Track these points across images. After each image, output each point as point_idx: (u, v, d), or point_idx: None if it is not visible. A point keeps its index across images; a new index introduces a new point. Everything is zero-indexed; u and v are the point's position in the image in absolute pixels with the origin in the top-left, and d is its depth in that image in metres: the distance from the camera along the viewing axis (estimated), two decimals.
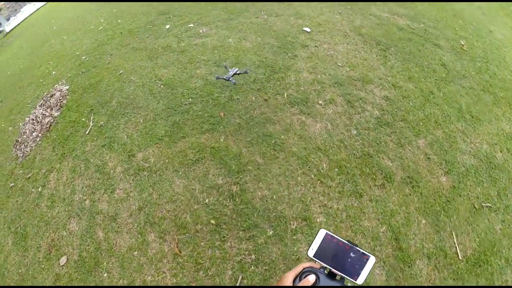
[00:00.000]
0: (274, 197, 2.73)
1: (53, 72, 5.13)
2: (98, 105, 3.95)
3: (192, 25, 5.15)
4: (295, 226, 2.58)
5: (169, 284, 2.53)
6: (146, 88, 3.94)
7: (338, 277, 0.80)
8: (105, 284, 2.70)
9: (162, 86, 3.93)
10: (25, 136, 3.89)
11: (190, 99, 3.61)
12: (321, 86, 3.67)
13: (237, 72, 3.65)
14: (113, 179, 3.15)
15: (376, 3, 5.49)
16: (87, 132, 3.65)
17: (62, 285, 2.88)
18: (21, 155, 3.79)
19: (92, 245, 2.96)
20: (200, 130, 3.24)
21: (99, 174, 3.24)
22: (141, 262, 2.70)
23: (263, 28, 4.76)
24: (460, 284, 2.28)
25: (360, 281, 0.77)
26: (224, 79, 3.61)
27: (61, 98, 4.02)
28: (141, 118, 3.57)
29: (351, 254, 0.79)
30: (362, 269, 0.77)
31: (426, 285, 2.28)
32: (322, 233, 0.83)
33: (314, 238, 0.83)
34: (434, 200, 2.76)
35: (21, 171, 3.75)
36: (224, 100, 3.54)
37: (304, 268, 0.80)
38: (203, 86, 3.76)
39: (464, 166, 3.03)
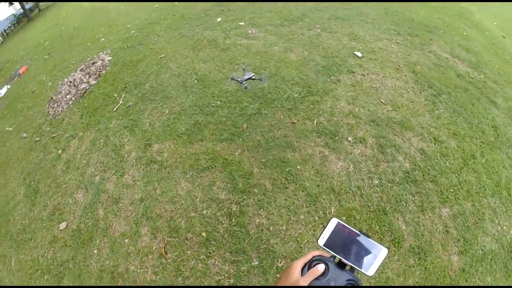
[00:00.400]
0: (271, 228, 2.64)
1: (102, 39, 5.32)
2: (132, 84, 4.04)
3: (242, 23, 5.09)
4: (282, 264, 2.48)
5: (148, 280, 2.56)
6: (180, 79, 3.96)
7: (348, 267, 0.78)
8: (93, 261, 2.78)
9: (196, 80, 3.93)
10: (59, 96, 4.08)
11: (218, 102, 3.57)
12: (356, 120, 3.47)
13: (252, 77, 3.53)
14: (125, 163, 3.22)
15: (437, 41, 5.08)
16: (114, 109, 3.75)
17: (58, 247, 3.01)
18: (52, 113, 3.98)
19: (91, 220, 3.06)
20: (219, 137, 3.20)
21: (114, 154, 3.32)
22: (129, 251, 2.75)
23: (312, 42, 4.59)
24: None
25: (371, 272, 0.75)
26: (237, 81, 3.53)
27: (101, 68, 4.15)
28: (167, 109, 3.60)
29: (363, 245, 0.78)
30: (373, 260, 0.76)
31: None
32: (333, 222, 0.81)
33: (325, 226, 0.81)
34: (437, 279, 2.53)
35: (48, 129, 3.95)
36: (251, 112, 3.46)
37: (314, 257, 0.78)
38: (234, 92, 3.70)
39: (482, 250, 2.73)
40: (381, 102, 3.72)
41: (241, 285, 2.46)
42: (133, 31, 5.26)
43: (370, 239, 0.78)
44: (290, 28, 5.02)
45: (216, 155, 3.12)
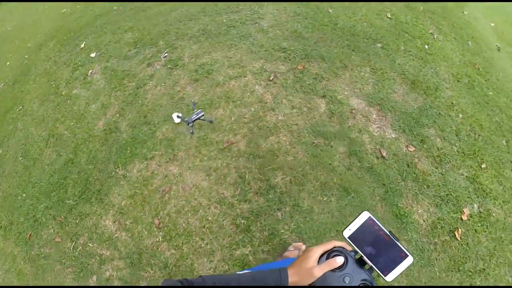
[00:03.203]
0: None
1: None
2: None
3: (93, 54, 3.96)
4: None
5: None
6: None
7: (367, 266, 0.76)
8: None
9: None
10: None
11: None
12: None
13: (201, 118, 3.07)
14: None
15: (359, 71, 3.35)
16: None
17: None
18: None
19: None
20: None
21: None
22: None
23: (137, 95, 3.41)
24: None
25: (389, 278, 0.72)
26: (184, 120, 3.12)
27: None
28: None
29: (389, 247, 0.74)
30: (395, 267, 0.72)
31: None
32: (364, 216, 0.77)
33: (355, 219, 0.78)
34: None
35: None
36: None
37: (335, 247, 0.76)
38: None
39: None
40: None
41: None
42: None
43: (398, 243, 0.74)
44: (130, 62, 3.79)
45: None
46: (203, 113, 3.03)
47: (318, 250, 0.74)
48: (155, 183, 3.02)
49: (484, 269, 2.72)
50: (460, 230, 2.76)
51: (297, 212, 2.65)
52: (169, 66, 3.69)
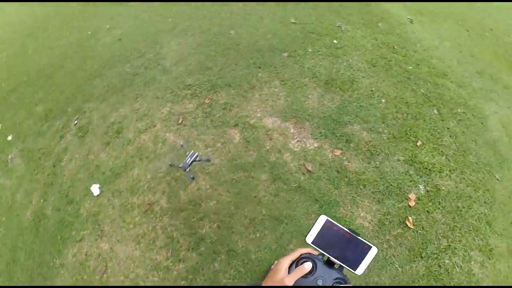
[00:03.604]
0: None
1: None
2: None
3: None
4: None
5: None
6: None
7: (336, 266, 0.78)
8: None
9: None
10: None
11: None
12: None
13: (197, 159, 2.64)
14: None
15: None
16: None
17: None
18: None
19: None
20: None
21: None
22: None
23: None
24: None
25: (359, 271, 0.75)
26: (180, 167, 2.65)
27: None
28: None
29: (352, 243, 0.77)
30: (362, 260, 0.75)
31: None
32: (322, 220, 0.80)
33: (314, 224, 0.80)
34: None
35: None
36: None
37: (302, 254, 0.78)
38: None
39: None
40: None
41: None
42: None
43: (359, 237, 0.77)
44: (44, 138, 3.63)
45: None
46: (197, 153, 2.70)
47: (286, 261, 0.76)
48: (91, 264, 2.79)
49: (449, 245, 2.54)
50: (410, 218, 2.59)
51: (233, 257, 2.44)
52: (80, 134, 3.52)
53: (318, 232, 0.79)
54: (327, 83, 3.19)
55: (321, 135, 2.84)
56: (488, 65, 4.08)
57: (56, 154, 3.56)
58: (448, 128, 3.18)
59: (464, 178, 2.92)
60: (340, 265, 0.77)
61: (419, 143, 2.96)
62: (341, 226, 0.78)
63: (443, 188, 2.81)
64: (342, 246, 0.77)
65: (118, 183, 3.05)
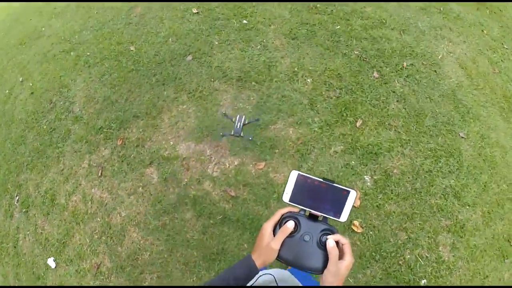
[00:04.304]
0: None
1: None
2: None
3: None
4: None
5: None
6: None
7: (320, 218, 0.77)
8: None
9: None
10: None
11: None
12: None
13: (246, 122, 2.56)
14: None
15: None
16: None
17: None
18: None
19: None
20: None
21: None
22: None
23: None
24: None
25: (343, 218, 0.75)
26: (232, 135, 2.55)
27: None
28: None
29: (329, 192, 0.76)
30: (343, 206, 0.75)
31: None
32: (294, 175, 0.77)
33: (287, 181, 0.78)
34: None
35: None
36: None
37: (283, 215, 0.76)
38: None
39: None
40: None
41: None
42: None
43: (335, 184, 0.75)
44: None
45: None
46: (243, 115, 2.55)
47: (269, 225, 0.74)
48: None
49: (409, 238, 2.23)
50: (356, 221, 2.23)
51: None
52: (24, 210, 3.31)
53: (293, 189, 0.76)
54: (240, 79, 2.73)
55: (240, 149, 2.45)
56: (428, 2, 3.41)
57: (12, 235, 3.40)
58: (393, 92, 2.68)
59: (420, 150, 2.48)
60: (324, 216, 0.76)
61: (359, 122, 2.51)
62: (314, 177, 0.75)
63: (394, 171, 2.39)
64: (321, 197, 0.75)
65: (67, 252, 2.87)
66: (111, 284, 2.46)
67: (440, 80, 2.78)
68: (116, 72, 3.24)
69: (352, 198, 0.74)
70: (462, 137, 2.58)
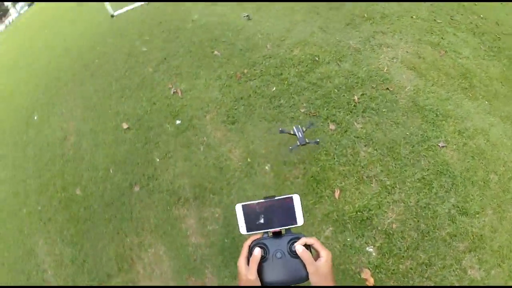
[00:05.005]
0: None
1: None
2: None
3: None
4: None
5: None
6: None
7: (283, 231, 0.79)
8: None
9: None
10: None
11: None
12: None
13: (304, 129, 2.43)
14: None
15: None
16: None
17: None
18: None
19: None
20: None
21: None
22: None
23: None
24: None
25: (300, 222, 0.78)
26: (300, 145, 2.38)
27: None
28: None
29: (276, 207, 0.79)
30: (294, 211, 0.78)
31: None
32: (239, 208, 0.81)
33: (236, 217, 0.80)
34: None
35: None
36: None
37: (250, 246, 0.77)
38: None
39: None
40: None
41: None
42: None
43: (277, 197, 0.79)
44: None
45: None
46: (298, 126, 2.39)
47: (241, 261, 0.75)
48: None
49: (435, 283, 2.00)
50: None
51: None
52: None
53: (245, 220, 0.79)
54: (196, 197, 2.48)
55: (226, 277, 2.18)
56: (350, 12, 3.16)
57: None
58: (357, 137, 2.45)
59: (409, 187, 2.26)
60: (284, 229, 0.78)
61: (337, 193, 2.29)
62: (256, 201, 0.79)
63: (393, 226, 2.16)
64: (272, 215, 0.78)
65: None
66: None
67: (396, 96, 2.54)
68: (72, 226, 2.96)
69: (297, 201, 0.77)
70: (443, 146, 2.37)
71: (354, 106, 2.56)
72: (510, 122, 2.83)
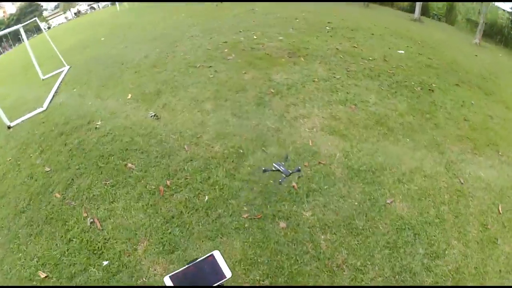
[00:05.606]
0: None
1: None
2: None
3: None
4: None
5: None
6: None
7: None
8: None
9: None
10: None
11: None
12: None
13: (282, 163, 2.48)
14: None
15: None
16: None
17: None
18: None
19: None
20: None
21: None
22: None
23: None
24: None
25: (228, 274, 0.84)
26: (286, 176, 2.41)
27: None
28: None
29: (202, 267, 0.84)
30: (219, 267, 0.84)
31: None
32: (167, 280, 0.84)
33: None
34: None
35: None
36: None
37: None
38: None
39: None
40: None
41: None
42: None
43: (199, 259, 0.86)
44: None
45: None
46: (278, 162, 2.52)
47: None
48: None
49: None
50: None
51: None
52: None
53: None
54: None
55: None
56: (257, 90, 3.17)
57: None
58: (311, 227, 2.27)
59: (379, 258, 2.21)
60: (217, 285, 0.82)
61: None
62: (181, 268, 0.84)
63: None
64: (202, 276, 0.83)
65: None
66: None
67: (331, 167, 2.53)
68: None
69: (219, 256, 0.84)
70: (391, 202, 2.35)
71: (296, 193, 2.40)
72: (435, 149, 2.99)
